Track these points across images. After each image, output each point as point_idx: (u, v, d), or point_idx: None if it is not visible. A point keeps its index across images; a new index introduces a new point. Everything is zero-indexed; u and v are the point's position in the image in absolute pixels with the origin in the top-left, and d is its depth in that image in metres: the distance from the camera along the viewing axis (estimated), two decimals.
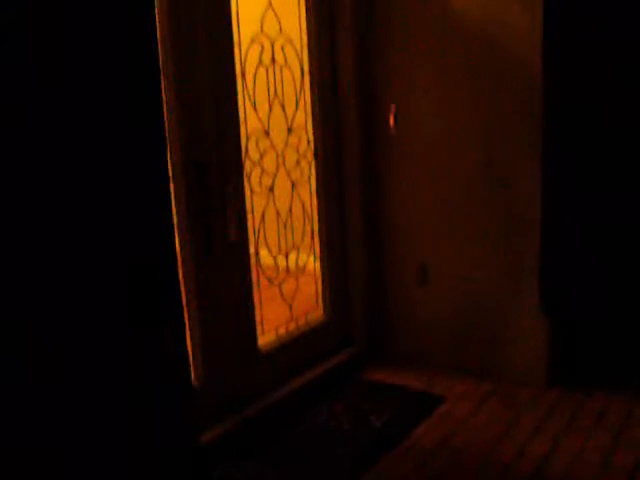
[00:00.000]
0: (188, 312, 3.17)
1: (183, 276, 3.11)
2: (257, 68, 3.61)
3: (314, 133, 3.95)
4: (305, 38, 3.84)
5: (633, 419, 3.44)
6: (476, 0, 3.64)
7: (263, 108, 3.64)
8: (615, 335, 3.95)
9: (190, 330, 3.19)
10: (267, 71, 3.66)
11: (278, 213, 3.79)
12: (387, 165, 4.08)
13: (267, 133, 3.68)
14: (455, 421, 3.53)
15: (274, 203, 3.75)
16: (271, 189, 3.72)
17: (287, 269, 3.90)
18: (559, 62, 3.64)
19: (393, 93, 3.99)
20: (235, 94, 3.33)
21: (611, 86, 3.82)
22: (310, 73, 3.88)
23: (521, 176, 3.69)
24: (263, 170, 3.65)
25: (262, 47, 3.58)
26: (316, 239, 4.06)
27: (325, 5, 3.89)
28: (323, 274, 4.10)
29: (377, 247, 4.21)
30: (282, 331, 3.88)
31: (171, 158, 2.98)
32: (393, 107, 3.97)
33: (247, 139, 3.52)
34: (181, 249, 3.10)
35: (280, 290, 3.85)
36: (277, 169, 3.75)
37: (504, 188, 3.75)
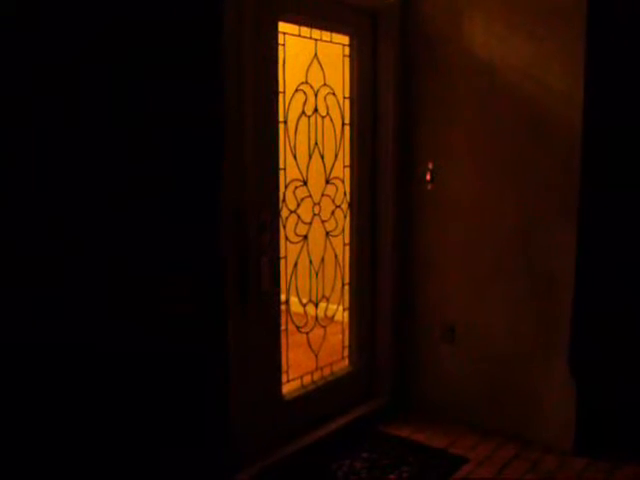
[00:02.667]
0: None
1: None
2: (299, 117, 3.64)
3: (351, 184, 3.96)
4: (347, 90, 3.88)
5: None
6: (517, 61, 3.66)
7: (303, 157, 3.67)
8: None
9: None
10: (309, 120, 3.69)
11: (311, 262, 3.78)
12: (421, 222, 4.09)
13: (305, 182, 3.69)
14: None
15: (307, 252, 3.74)
16: (305, 237, 3.73)
17: (316, 318, 3.88)
18: (600, 121, 3.61)
19: (431, 150, 4.00)
20: (277, 142, 3.37)
21: None
22: (350, 124, 3.91)
23: (555, 240, 3.66)
24: (299, 219, 3.66)
25: (306, 96, 3.61)
26: (346, 289, 4.04)
27: (368, 61, 3.94)
28: (351, 324, 4.08)
29: (406, 301, 4.19)
30: (307, 380, 3.84)
31: None
32: (430, 164, 3.98)
33: (285, 187, 3.53)
34: None
35: (308, 339, 3.83)
36: (312, 218, 3.77)
37: (537, 250, 3.72)
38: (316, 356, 3.89)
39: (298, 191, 3.68)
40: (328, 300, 3.96)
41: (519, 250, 3.79)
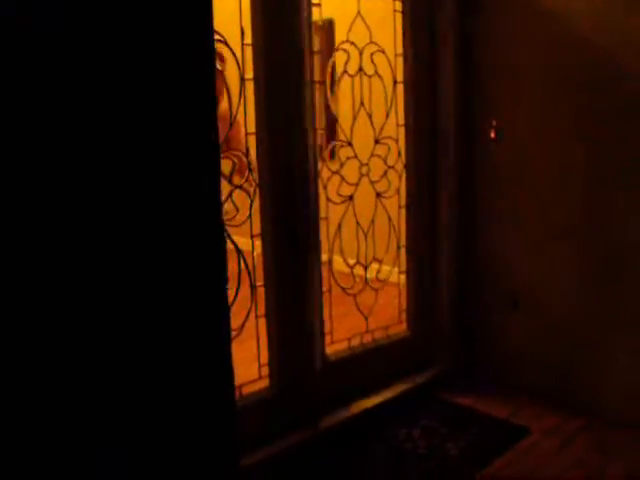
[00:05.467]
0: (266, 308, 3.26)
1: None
2: (341, 77, 3.61)
3: (406, 144, 3.87)
4: (400, 48, 3.80)
5: None
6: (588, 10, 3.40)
7: (347, 118, 3.64)
8: None
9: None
10: (352, 80, 3.64)
11: (358, 223, 3.75)
12: (485, 184, 3.93)
13: (349, 143, 3.67)
14: (536, 458, 3.28)
15: (354, 213, 3.71)
16: (350, 198, 3.70)
17: (365, 280, 3.84)
18: None
19: (495, 107, 3.83)
20: (303, 103, 3.30)
21: None
22: (404, 82, 3.82)
23: (627, 208, 3.41)
24: (343, 179, 3.64)
25: (348, 55, 3.57)
26: (403, 252, 3.96)
27: (423, 14, 3.83)
28: (409, 288, 4.01)
29: (469, 266, 4.04)
30: (356, 342, 3.82)
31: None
32: (494, 122, 3.80)
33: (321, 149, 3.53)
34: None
35: (356, 301, 3.79)
36: (360, 179, 3.72)
37: (611, 215, 3.47)
38: (366, 319, 3.84)
39: (342, 151, 3.65)
40: (381, 262, 3.89)
41: (591, 214, 3.54)
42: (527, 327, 3.87)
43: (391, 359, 3.93)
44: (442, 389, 3.97)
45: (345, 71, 3.60)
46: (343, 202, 3.68)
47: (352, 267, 3.79)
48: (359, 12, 3.57)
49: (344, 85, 3.64)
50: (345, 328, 3.78)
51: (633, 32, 3.28)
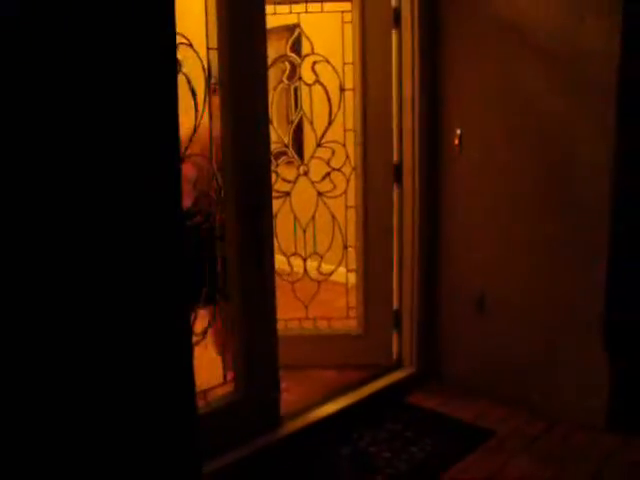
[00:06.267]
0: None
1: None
2: (277, 86, 3.95)
3: (355, 148, 4.04)
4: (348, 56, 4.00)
5: None
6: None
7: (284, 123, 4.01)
8: None
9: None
10: (290, 88, 4.04)
11: (296, 218, 4.09)
12: (447, 185, 3.98)
13: (287, 145, 4.04)
14: (501, 460, 3.30)
15: (292, 209, 4.05)
16: (288, 194, 4.03)
17: (305, 271, 4.17)
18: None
19: (458, 115, 3.88)
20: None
21: None
22: (354, 89, 4.00)
23: (587, 205, 3.45)
24: (277, 176, 3.97)
25: (287, 67, 3.92)
26: (352, 251, 4.16)
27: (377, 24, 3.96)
28: (358, 287, 4.16)
29: (434, 268, 4.09)
30: (294, 325, 4.15)
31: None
32: (458, 130, 3.86)
33: None
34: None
35: (293, 289, 4.09)
36: (297, 178, 4.05)
37: (568, 216, 3.53)
38: (306, 307, 4.16)
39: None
40: (322, 258, 4.16)
41: (550, 215, 3.61)
42: (491, 330, 3.91)
43: (345, 352, 4.17)
44: (409, 392, 4.01)
45: (281, 81, 3.97)
46: (279, 197, 3.98)
47: (289, 257, 4.12)
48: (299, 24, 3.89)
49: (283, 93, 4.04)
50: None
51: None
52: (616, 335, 3.49)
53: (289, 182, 4.02)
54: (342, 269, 4.21)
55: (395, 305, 4.15)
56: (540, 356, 3.70)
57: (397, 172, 4.02)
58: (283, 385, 3.46)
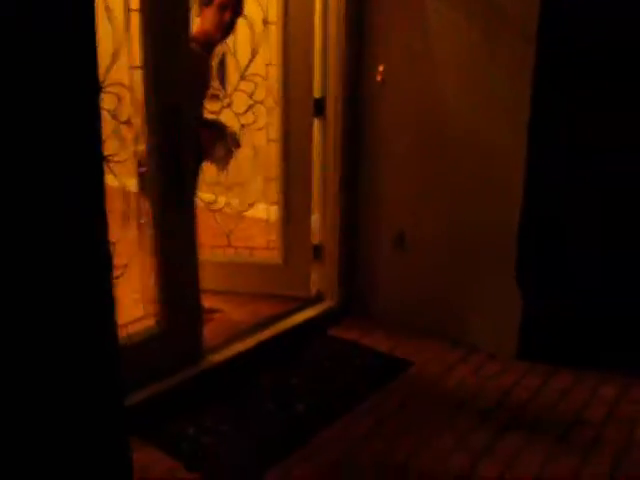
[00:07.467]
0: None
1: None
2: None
3: (279, 81, 4.03)
4: None
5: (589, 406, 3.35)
6: None
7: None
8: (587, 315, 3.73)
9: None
10: None
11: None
12: (370, 121, 4.02)
13: None
14: (422, 384, 3.54)
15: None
16: None
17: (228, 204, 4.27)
18: None
19: (382, 51, 3.90)
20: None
21: None
22: (277, 23, 3.97)
23: (506, 144, 3.56)
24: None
25: None
26: (273, 185, 4.21)
27: None
28: (282, 219, 4.22)
29: (356, 204, 4.18)
30: (219, 252, 4.24)
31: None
32: (381, 67, 3.89)
33: None
34: None
35: (215, 218, 4.19)
36: (220, 109, 4.03)
37: (486, 157, 3.64)
38: (227, 236, 4.26)
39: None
40: (244, 189, 4.31)
41: (468, 156, 3.71)
42: (411, 265, 4.05)
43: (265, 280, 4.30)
44: (331, 325, 4.14)
45: None
46: None
47: (212, 186, 4.19)
48: None
49: None
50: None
51: None
52: (527, 272, 3.67)
53: (214, 113, 4.00)
54: (264, 205, 4.30)
55: (317, 239, 4.26)
56: (457, 290, 3.89)
57: (320, 106, 4.05)
58: (205, 316, 3.54)
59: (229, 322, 3.96)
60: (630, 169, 3.46)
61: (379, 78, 3.91)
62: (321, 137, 4.09)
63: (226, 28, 3.65)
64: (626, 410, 3.27)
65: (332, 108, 4.03)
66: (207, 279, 3.54)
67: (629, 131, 3.45)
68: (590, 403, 3.33)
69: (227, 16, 3.60)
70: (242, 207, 4.26)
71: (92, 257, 1.96)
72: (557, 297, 3.70)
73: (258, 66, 4.06)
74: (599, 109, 3.42)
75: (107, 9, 2.86)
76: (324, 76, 4.00)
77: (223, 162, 3.94)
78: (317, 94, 4.04)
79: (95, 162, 1.95)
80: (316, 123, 4.08)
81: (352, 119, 4.03)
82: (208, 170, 4.05)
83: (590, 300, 3.62)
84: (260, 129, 4.13)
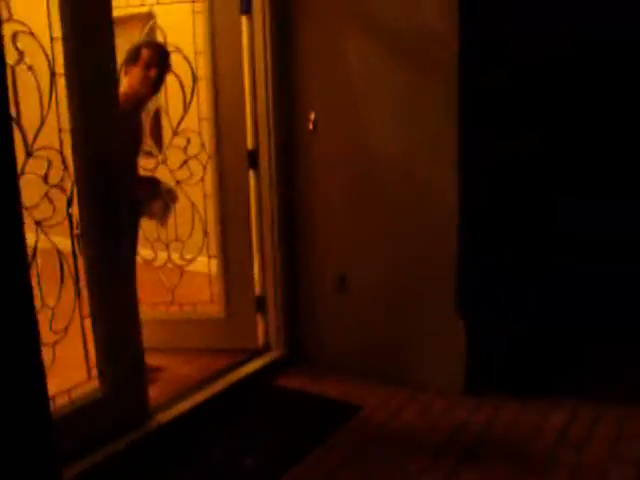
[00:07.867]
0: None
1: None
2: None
3: (211, 136, 4.08)
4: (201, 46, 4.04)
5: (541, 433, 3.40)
6: None
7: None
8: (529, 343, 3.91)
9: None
10: None
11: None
12: (304, 169, 4.08)
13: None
14: (369, 430, 3.51)
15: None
16: None
17: (168, 258, 4.26)
18: None
19: (312, 100, 3.98)
20: None
21: None
22: (206, 79, 4.03)
23: (438, 182, 3.66)
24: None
25: None
26: (212, 238, 4.22)
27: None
28: (220, 273, 4.24)
29: (295, 252, 4.22)
30: (162, 309, 4.23)
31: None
32: (312, 114, 3.96)
33: None
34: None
35: (160, 275, 4.18)
36: (156, 166, 4.10)
37: (422, 197, 3.73)
38: (172, 292, 4.25)
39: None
40: (183, 245, 4.27)
41: (405, 196, 3.79)
42: (353, 308, 4.07)
43: (210, 334, 4.28)
44: (277, 375, 4.12)
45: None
46: None
47: (152, 243, 4.21)
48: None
49: None
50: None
51: None
52: (469, 303, 3.74)
53: (149, 171, 4.04)
54: (204, 259, 4.28)
55: (258, 290, 4.25)
56: (401, 330, 3.91)
57: (253, 158, 4.10)
58: (151, 375, 3.50)
59: (176, 379, 3.90)
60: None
61: (310, 126, 3.98)
62: (256, 188, 4.12)
63: (154, 84, 3.70)
64: (576, 434, 3.32)
65: (265, 159, 4.07)
66: (152, 337, 3.52)
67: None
68: (541, 429, 3.37)
69: (153, 72, 3.65)
70: (182, 262, 4.24)
71: (17, 325, 1.91)
72: (500, 323, 3.80)
73: (191, 121, 4.11)
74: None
75: (31, 69, 2.86)
76: (256, 128, 4.06)
77: (162, 218, 3.92)
78: (250, 146, 4.07)
79: (15, 224, 1.92)
80: (251, 174, 4.11)
81: (286, 169, 4.08)
82: (148, 227, 4.07)
83: (532, 324, 3.71)
84: (196, 183, 4.15)
